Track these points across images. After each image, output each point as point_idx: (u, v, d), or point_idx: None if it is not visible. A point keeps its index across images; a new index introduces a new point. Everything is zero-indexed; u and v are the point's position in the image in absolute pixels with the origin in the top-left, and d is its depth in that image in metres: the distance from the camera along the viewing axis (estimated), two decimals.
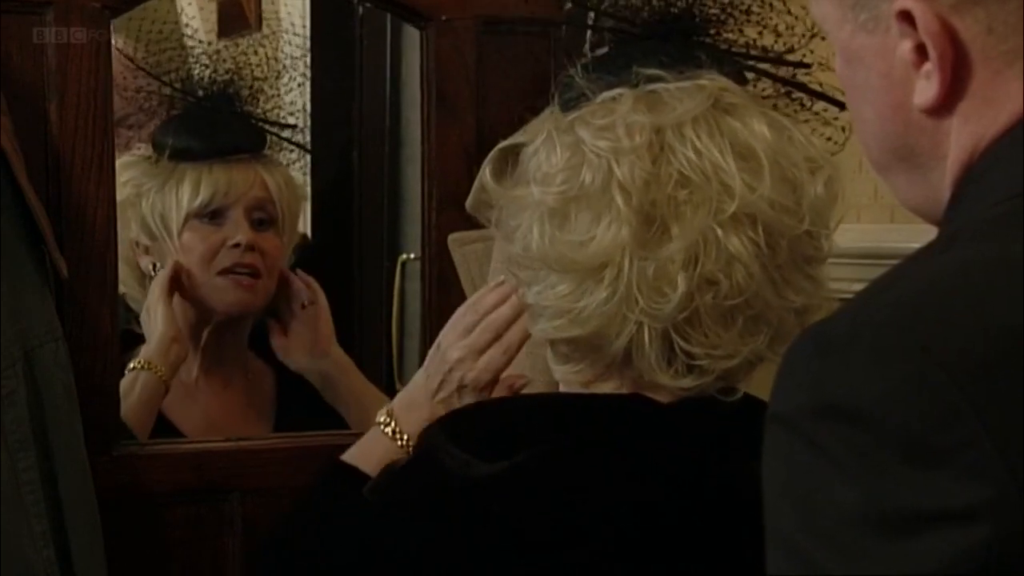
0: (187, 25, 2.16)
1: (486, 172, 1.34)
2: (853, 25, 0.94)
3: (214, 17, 2.35)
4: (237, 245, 2.00)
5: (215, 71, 2.06)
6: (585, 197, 1.22)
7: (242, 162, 2.04)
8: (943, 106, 0.91)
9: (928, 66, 0.90)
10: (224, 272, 2.01)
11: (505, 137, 1.76)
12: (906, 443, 0.76)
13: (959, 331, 0.78)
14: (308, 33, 2.27)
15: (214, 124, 2.04)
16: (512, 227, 1.27)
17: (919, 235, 1.54)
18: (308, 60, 2.21)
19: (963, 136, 0.91)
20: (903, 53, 0.91)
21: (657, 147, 1.21)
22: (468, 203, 1.83)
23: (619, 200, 1.20)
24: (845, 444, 0.78)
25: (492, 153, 1.78)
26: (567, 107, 1.29)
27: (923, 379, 0.77)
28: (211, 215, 2.01)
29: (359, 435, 1.89)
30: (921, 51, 0.90)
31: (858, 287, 1.61)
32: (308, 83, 2.20)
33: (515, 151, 1.76)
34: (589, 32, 1.67)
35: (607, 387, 1.27)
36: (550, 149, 1.26)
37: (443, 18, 1.86)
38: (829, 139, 1.34)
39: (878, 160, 0.98)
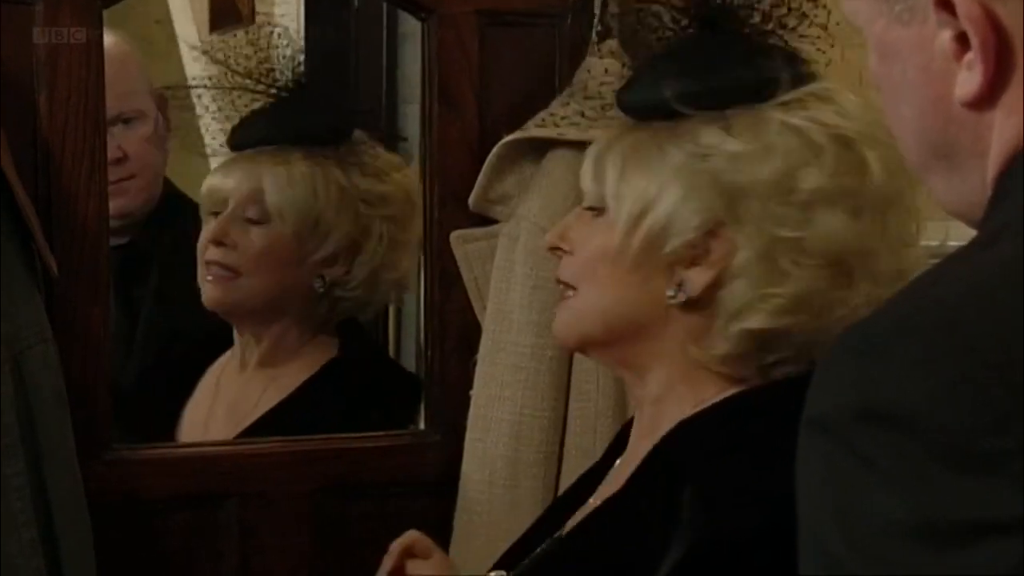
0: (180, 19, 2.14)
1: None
2: (887, 18, 0.90)
3: (206, 11, 2.33)
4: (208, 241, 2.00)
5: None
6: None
7: (251, 157, 2.01)
8: (986, 98, 0.86)
9: (970, 56, 0.86)
10: (206, 268, 2.01)
11: (509, 132, 1.75)
12: (954, 449, 0.73)
13: (1008, 331, 0.75)
14: (302, 27, 2.24)
15: (264, 115, 2.03)
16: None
17: (937, 232, 1.51)
18: (302, 55, 2.17)
19: (1006, 129, 0.87)
20: (942, 44, 0.87)
21: None
22: (471, 200, 1.80)
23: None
24: (888, 450, 0.75)
25: (496, 148, 1.76)
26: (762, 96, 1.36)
27: (972, 381, 0.73)
28: (215, 212, 2.01)
29: (356, 439, 1.88)
30: (962, 40, 0.86)
31: None
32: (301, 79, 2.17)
33: (519, 146, 1.74)
34: (596, 24, 1.65)
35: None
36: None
37: (445, 9, 1.83)
38: None
39: (917, 160, 0.94)
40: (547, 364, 1.71)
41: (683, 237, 1.35)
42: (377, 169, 2.01)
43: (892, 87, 0.93)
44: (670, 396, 1.39)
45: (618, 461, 1.51)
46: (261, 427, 1.97)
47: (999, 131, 0.87)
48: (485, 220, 1.81)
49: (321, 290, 2.00)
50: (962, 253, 0.84)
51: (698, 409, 1.37)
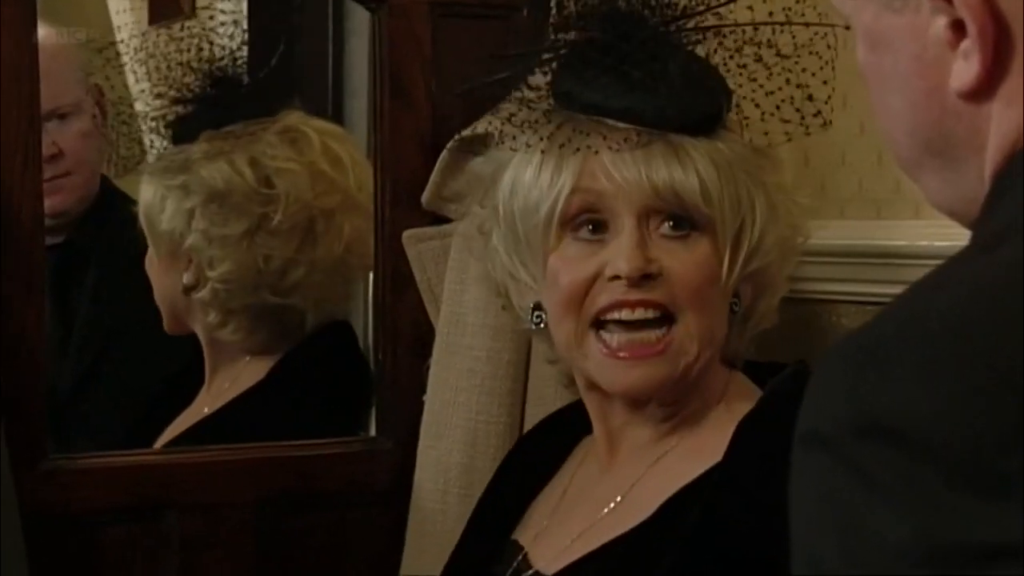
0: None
1: None
2: (877, 5, 0.87)
3: (145, 2, 2.29)
4: None
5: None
6: None
7: None
8: (983, 89, 0.83)
9: (966, 44, 0.82)
10: None
11: (463, 127, 1.70)
12: (963, 468, 0.69)
13: (1014, 337, 0.71)
14: (245, 18, 2.19)
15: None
16: None
17: (909, 231, 1.49)
18: (244, 48, 2.13)
19: (1005, 122, 0.83)
20: (937, 31, 0.83)
21: None
22: (424, 198, 1.77)
23: None
24: (892, 469, 0.71)
25: (450, 144, 1.72)
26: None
27: (982, 394, 0.70)
28: None
29: (303, 447, 1.83)
30: (958, 28, 0.82)
31: (845, 286, 1.57)
32: (244, 74, 2.12)
33: (474, 142, 1.70)
34: (552, 15, 1.61)
35: None
36: None
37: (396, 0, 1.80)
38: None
39: (908, 157, 0.90)
40: (503, 368, 1.69)
41: (771, 256, 1.38)
42: (182, 160, 1.94)
43: (882, 79, 0.89)
44: (690, 401, 1.40)
45: (567, 476, 1.48)
46: (190, 436, 1.93)
47: (997, 123, 0.84)
48: (438, 219, 1.78)
49: (184, 291, 1.95)
50: (963, 256, 0.80)
51: (752, 403, 1.36)
